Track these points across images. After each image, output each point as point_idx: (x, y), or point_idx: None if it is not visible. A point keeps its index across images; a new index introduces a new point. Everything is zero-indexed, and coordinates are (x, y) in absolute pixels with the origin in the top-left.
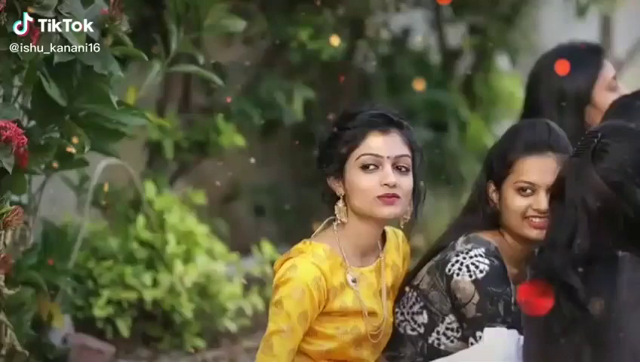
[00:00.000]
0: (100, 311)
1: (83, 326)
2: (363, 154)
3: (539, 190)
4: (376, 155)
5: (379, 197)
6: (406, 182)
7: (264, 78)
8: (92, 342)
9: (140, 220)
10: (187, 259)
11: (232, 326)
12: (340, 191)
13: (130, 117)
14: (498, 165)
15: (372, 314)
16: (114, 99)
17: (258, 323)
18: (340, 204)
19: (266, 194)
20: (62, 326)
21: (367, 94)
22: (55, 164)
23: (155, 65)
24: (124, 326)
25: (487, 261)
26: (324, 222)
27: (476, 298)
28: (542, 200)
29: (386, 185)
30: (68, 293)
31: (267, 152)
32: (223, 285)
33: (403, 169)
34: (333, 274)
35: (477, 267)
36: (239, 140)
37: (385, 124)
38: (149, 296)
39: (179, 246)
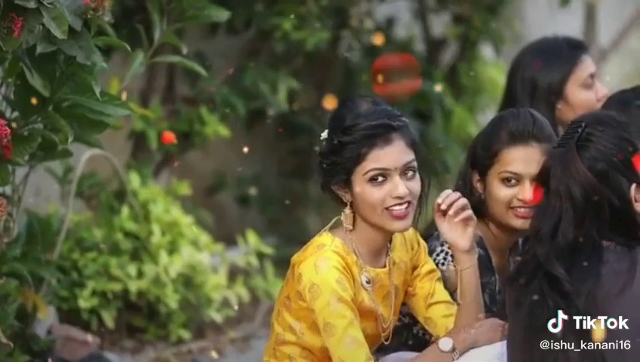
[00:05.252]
0: (84, 302)
1: (68, 318)
2: (370, 170)
3: (523, 180)
4: (384, 169)
5: (388, 208)
6: (414, 185)
7: (248, 68)
8: (77, 333)
9: (125, 211)
10: (172, 249)
11: (217, 317)
12: (346, 198)
13: (113, 107)
14: (482, 155)
15: (381, 316)
16: (97, 89)
17: (243, 314)
18: (347, 210)
19: (250, 184)
20: (47, 318)
21: (352, 84)
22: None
23: (139, 56)
24: (109, 318)
25: None
26: (332, 221)
27: None
28: (527, 191)
29: (397, 197)
30: (52, 285)
31: (252, 142)
32: (208, 276)
33: (410, 173)
34: (352, 268)
35: None
36: (223, 130)
37: (387, 133)
38: (133, 287)
39: (163, 237)
